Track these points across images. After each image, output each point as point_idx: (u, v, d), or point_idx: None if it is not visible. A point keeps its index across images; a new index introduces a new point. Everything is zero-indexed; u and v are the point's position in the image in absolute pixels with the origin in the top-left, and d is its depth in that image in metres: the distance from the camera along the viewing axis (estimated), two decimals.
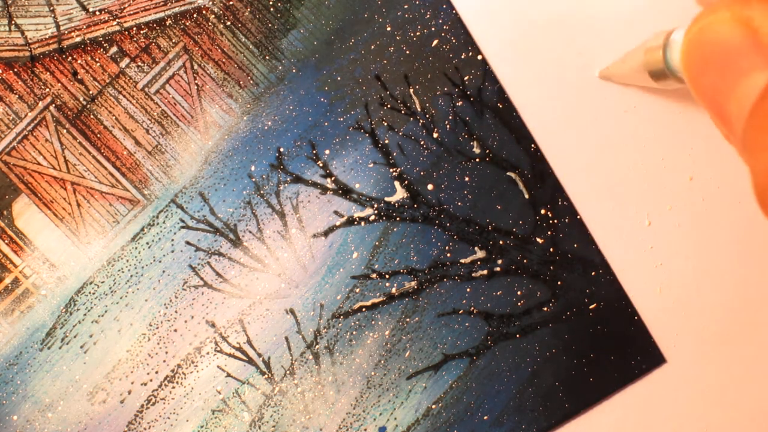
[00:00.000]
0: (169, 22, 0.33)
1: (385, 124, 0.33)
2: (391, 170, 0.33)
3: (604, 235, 0.34)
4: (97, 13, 0.33)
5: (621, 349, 0.33)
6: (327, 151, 0.33)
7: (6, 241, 0.32)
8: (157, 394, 0.32)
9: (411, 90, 0.34)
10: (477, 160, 0.34)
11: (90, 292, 0.32)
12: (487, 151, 0.33)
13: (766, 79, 0.18)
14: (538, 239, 0.33)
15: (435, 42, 0.34)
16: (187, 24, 0.33)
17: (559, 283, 0.33)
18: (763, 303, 0.34)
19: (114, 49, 0.33)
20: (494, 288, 0.33)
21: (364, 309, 0.33)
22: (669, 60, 0.27)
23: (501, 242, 0.33)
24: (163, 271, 0.33)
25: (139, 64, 0.33)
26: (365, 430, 0.33)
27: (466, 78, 0.34)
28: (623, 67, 0.32)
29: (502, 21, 0.34)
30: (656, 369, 0.34)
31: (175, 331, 0.33)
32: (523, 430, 0.33)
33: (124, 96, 0.33)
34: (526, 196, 0.33)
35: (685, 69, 0.20)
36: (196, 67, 0.33)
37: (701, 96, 0.20)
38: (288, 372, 0.33)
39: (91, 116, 0.33)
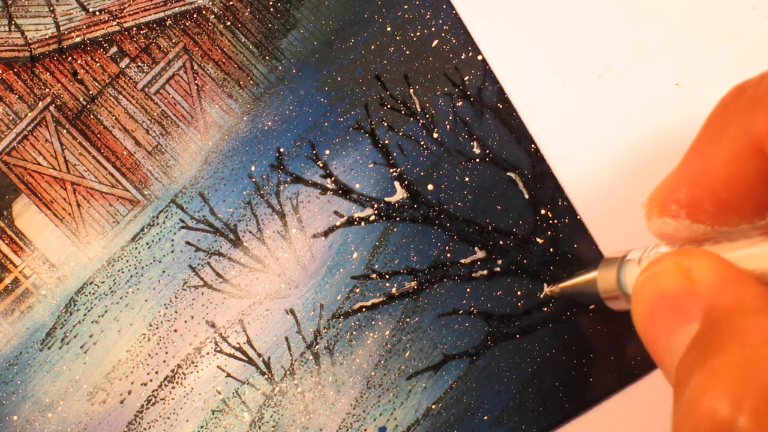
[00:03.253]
0: (169, 22, 0.33)
1: (385, 124, 0.33)
2: (391, 170, 0.33)
3: (604, 235, 0.34)
4: (97, 13, 0.33)
5: (621, 349, 0.33)
6: (327, 152, 0.33)
7: (6, 241, 0.32)
8: (157, 394, 0.32)
9: (411, 90, 0.34)
10: (477, 160, 0.34)
11: (90, 292, 0.32)
12: (487, 151, 0.33)
13: (696, 329, 0.18)
14: (538, 239, 0.33)
15: (435, 42, 0.34)
16: (187, 24, 0.33)
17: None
18: None
19: (114, 49, 0.33)
20: (494, 288, 0.33)
21: (364, 309, 0.33)
22: (622, 282, 0.26)
23: (501, 242, 0.33)
24: (163, 272, 0.33)
25: (139, 64, 0.33)
26: (365, 430, 0.33)
27: (466, 78, 0.34)
28: (575, 286, 0.30)
29: (502, 21, 0.34)
30: (656, 369, 0.34)
31: (175, 331, 0.33)
32: (523, 430, 0.33)
33: (124, 96, 0.33)
34: (526, 196, 0.33)
35: (633, 316, 0.21)
36: (196, 67, 0.33)
37: (645, 343, 0.20)
38: (288, 372, 0.33)
39: (91, 116, 0.33)
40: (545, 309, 0.33)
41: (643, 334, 0.20)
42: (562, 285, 0.32)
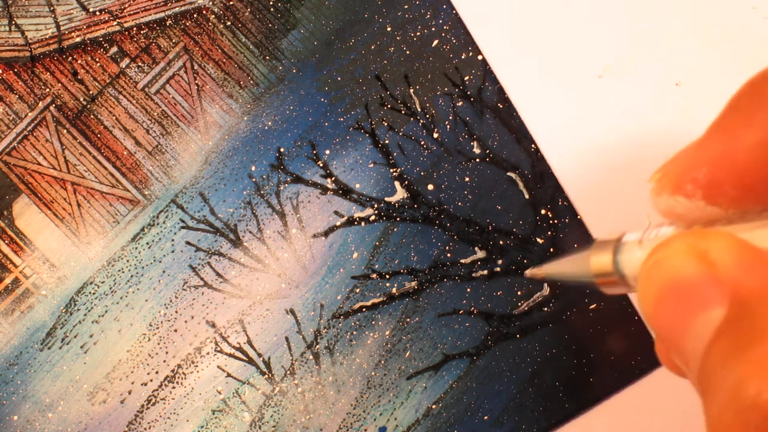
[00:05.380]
0: (169, 22, 0.33)
1: (385, 124, 0.33)
2: (391, 170, 0.33)
3: (604, 235, 0.34)
4: (98, 13, 0.33)
5: (621, 349, 0.33)
6: (327, 152, 0.33)
7: (6, 242, 0.32)
8: (158, 394, 0.32)
9: (411, 90, 0.34)
10: (477, 160, 0.34)
11: (90, 292, 0.32)
12: (487, 151, 0.33)
13: (721, 315, 0.17)
14: (538, 239, 0.33)
15: (435, 42, 0.34)
16: (188, 24, 0.33)
17: (559, 283, 0.33)
18: None
19: (114, 49, 0.33)
20: (494, 288, 0.33)
21: (364, 309, 0.33)
22: (619, 264, 0.25)
23: (501, 242, 0.33)
24: (164, 271, 0.33)
25: (140, 64, 0.33)
26: (365, 430, 0.33)
27: (466, 78, 0.34)
28: (564, 268, 0.30)
29: (502, 21, 0.34)
30: (656, 369, 0.34)
31: (176, 331, 0.33)
32: (523, 430, 0.33)
33: (125, 96, 0.33)
34: (526, 196, 0.33)
35: (641, 303, 0.20)
36: (196, 67, 0.33)
37: (658, 330, 0.19)
38: (288, 372, 0.33)
39: (92, 116, 0.33)
40: (545, 309, 0.33)
41: (654, 322, 0.19)
42: (546, 268, 0.30)
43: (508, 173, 0.34)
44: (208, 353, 0.33)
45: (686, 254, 0.19)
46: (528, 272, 0.30)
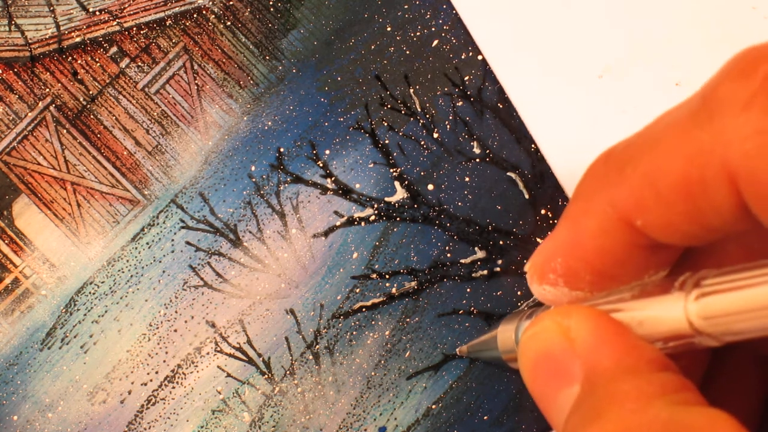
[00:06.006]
0: (169, 22, 0.33)
1: (385, 124, 0.33)
2: (391, 170, 0.33)
3: None
4: (97, 13, 0.33)
5: None
6: (327, 151, 0.33)
7: (6, 241, 0.32)
8: (157, 394, 0.32)
9: (411, 90, 0.34)
10: (477, 160, 0.34)
11: (90, 292, 0.32)
12: (487, 151, 0.33)
13: (576, 393, 0.18)
14: (538, 239, 0.33)
15: (435, 42, 0.34)
16: (187, 24, 0.33)
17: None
18: None
19: (114, 49, 0.33)
20: (494, 288, 0.33)
21: (364, 309, 0.33)
22: (519, 338, 0.26)
23: (501, 242, 0.33)
24: (163, 272, 0.33)
25: (139, 64, 0.33)
26: (365, 430, 0.33)
27: (466, 78, 0.34)
28: (479, 346, 0.30)
29: (502, 21, 0.34)
30: None
31: (175, 331, 0.33)
32: (523, 430, 0.33)
33: (124, 96, 0.33)
34: (526, 196, 0.33)
35: (521, 373, 0.21)
36: (196, 67, 0.33)
37: (534, 399, 0.20)
38: (288, 372, 0.33)
39: (91, 116, 0.33)
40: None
41: (530, 392, 0.20)
42: (469, 344, 0.31)
43: (508, 173, 0.34)
44: (208, 353, 0.33)
45: (552, 330, 0.20)
46: (458, 350, 0.32)
